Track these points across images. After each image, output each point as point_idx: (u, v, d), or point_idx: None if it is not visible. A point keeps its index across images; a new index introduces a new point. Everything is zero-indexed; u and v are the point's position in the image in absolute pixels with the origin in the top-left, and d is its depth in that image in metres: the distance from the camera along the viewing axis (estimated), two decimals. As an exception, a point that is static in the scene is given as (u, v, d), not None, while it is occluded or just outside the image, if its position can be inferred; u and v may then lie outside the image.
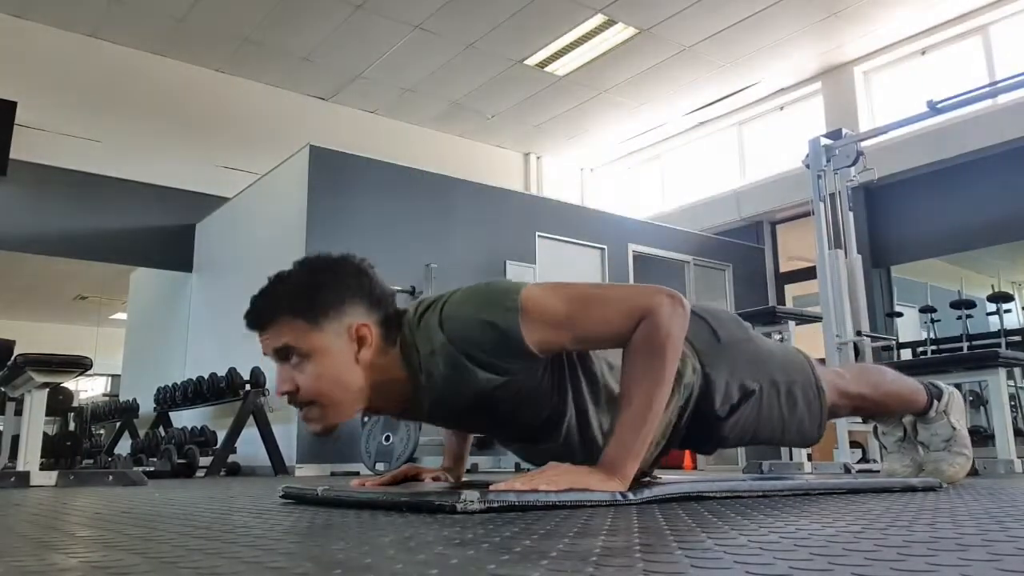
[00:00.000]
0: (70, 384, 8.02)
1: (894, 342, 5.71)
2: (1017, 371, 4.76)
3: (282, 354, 1.36)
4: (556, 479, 1.22)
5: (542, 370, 1.38)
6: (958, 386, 2.10)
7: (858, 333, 4.51)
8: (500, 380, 1.33)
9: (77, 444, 6.71)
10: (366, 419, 4.89)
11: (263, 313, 1.36)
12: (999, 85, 4.98)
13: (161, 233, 7.07)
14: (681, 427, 1.57)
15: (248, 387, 5.06)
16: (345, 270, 1.40)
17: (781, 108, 8.14)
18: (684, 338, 1.41)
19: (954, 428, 1.95)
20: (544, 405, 1.42)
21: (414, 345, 1.37)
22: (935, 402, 1.96)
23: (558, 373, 1.42)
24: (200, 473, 4.68)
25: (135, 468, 4.20)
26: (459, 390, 1.35)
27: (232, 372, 5.22)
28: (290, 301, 1.35)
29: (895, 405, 1.94)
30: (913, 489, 1.58)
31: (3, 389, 3.86)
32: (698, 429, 1.59)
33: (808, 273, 7.18)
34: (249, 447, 5.03)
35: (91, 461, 6.53)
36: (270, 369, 5.33)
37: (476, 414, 1.43)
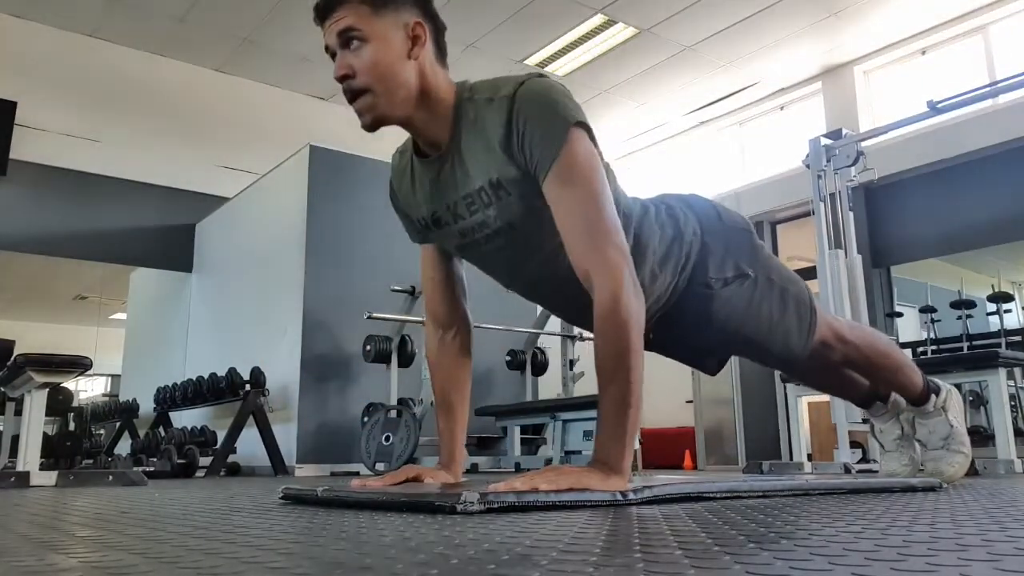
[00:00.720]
0: (70, 384, 8.02)
1: (894, 342, 5.70)
2: (1017, 371, 4.76)
3: (344, 38, 1.40)
4: (556, 479, 1.22)
5: (542, 203, 1.38)
6: (958, 386, 2.09)
7: (858, 333, 4.51)
8: (510, 173, 1.37)
9: (77, 444, 6.72)
10: (365, 419, 4.90)
11: None
12: (999, 85, 4.98)
13: (161, 233, 7.07)
14: (679, 288, 1.58)
15: (248, 387, 5.06)
16: None
17: (781, 108, 8.14)
18: (685, 204, 1.58)
19: (952, 426, 1.94)
20: (539, 235, 1.43)
21: (471, 87, 1.46)
22: (933, 396, 1.95)
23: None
24: (200, 473, 4.68)
25: (135, 468, 4.20)
26: (477, 158, 1.40)
27: (232, 372, 5.22)
28: None
29: (887, 370, 1.89)
30: (913, 489, 1.58)
31: (3, 389, 3.86)
32: (690, 300, 1.59)
33: (808, 273, 7.17)
34: (249, 447, 5.03)
35: (91, 461, 6.54)
36: (270, 369, 5.33)
37: (484, 206, 1.44)
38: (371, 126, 1.46)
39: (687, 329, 1.66)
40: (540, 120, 1.35)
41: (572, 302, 1.47)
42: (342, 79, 1.42)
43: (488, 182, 1.41)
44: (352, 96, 1.43)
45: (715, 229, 1.63)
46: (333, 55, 1.43)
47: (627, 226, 1.46)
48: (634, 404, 1.28)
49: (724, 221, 1.66)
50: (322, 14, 1.43)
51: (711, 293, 1.59)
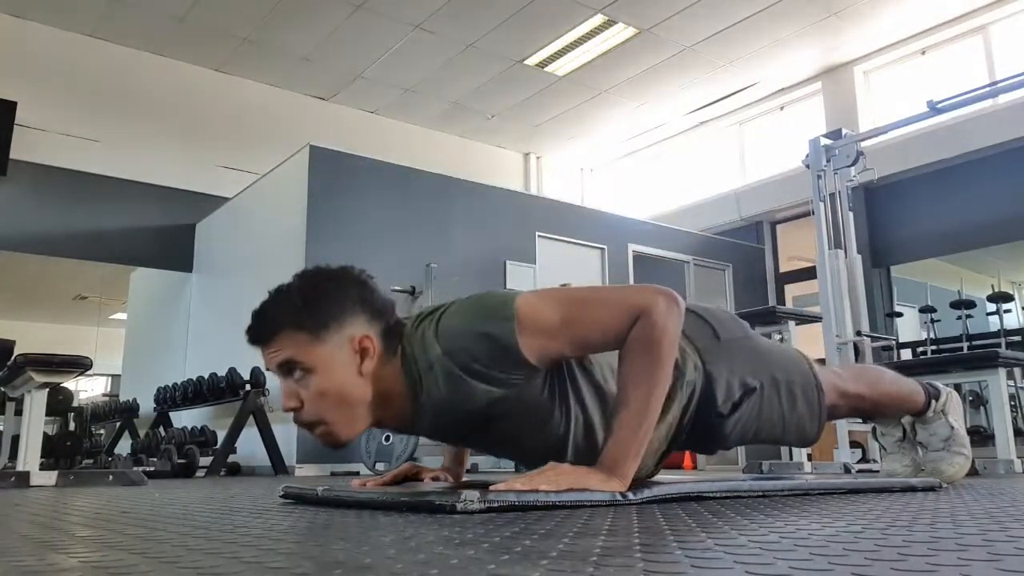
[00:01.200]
0: (70, 384, 8.02)
1: (894, 342, 5.70)
2: (1017, 371, 4.76)
3: (285, 369, 1.32)
4: (556, 479, 1.21)
5: (542, 382, 1.36)
6: (958, 386, 2.10)
7: (858, 333, 4.51)
8: (499, 393, 1.31)
9: (77, 444, 6.72)
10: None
11: (265, 327, 1.33)
12: (999, 85, 4.98)
13: (161, 233, 7.07)
14: (685, 426, 1.57)
15: (248, 387, 5.06)
16: (345, 281, 1.41)
17: (781, 108, 8.14)
18: (682, 335, 1.42)
19: (952, 427, 1.95)
20: (547, 420, 1.40)
21: (413, 357, 1.36)
22: (933, 402, 1.96)
23: (559, 385, 1.40)
24: (200, 473, 4.68)
25: (135, 468, 4.20)
26: (458, 406, 1.34)
27: (232, 372, 5.22)
28: (291, 314, 1.32)
29: (893, 405, 1.94)
30: (913, 489, 1.58)
31: (3, 389, 3.86)
32: (701, 429, 1.59)
33: (808, 273, 7.18)
34: (249, 447, 5.03)
35: (91, 461, 6.53)
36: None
37: (478, 431, 1.42)
38: (337, 447, 1.37)
39: (698, 444, 1.68)
40: (486, 346, 1.28)
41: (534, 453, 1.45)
42: (291, 411, 1.33)
43: (480, 420, 1.38)
44: (307, 427, 1.34)
45: (716, 352, 1.60)
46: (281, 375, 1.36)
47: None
48: (650, 418, 1.28)
49: (722, 338, 1.63)
50: (255, 341, 1.35)
51: (723, 420, 1.58)
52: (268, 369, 1.35)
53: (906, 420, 2.04)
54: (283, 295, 1.36)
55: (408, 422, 1.42)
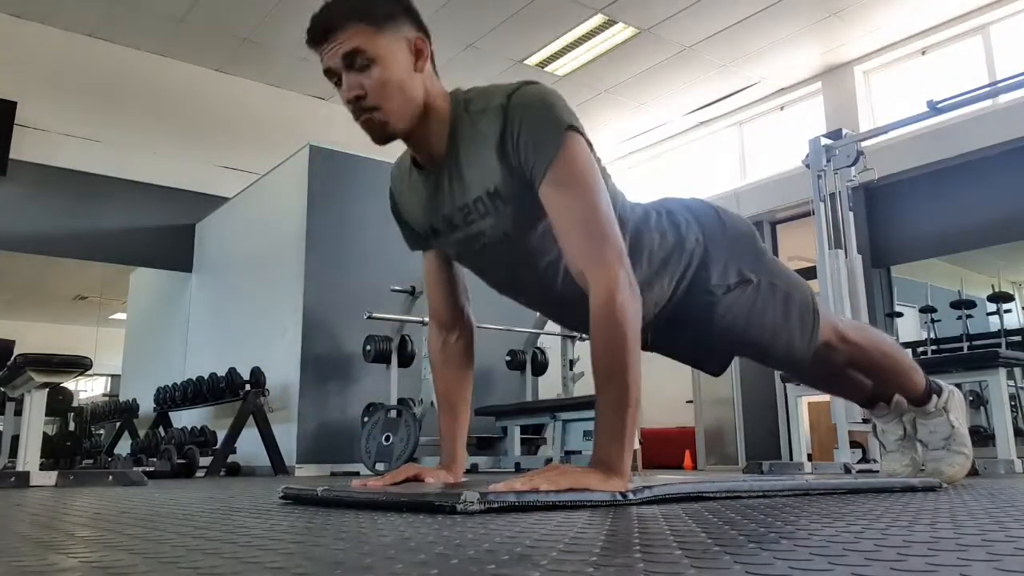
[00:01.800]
0: (70, 384, 8.02)
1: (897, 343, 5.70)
2: (1017, 371, 4.76)
3: (350, 59, 1.39)
4: (556, 479, 1.22)
5: (541, 220, 1.40)
6: (958, 386, 2.10)
7: (858, 333, 4.51)
8: (504, 178, 1.38)
9: (77, 444, 6.73)
10: (365, 419, 4.90)
11: (331, 19, 1.39)
12: (999, 85, 4.98)
13: (161, 233, 7.07)
14: (676, 296, 1.58)
15: (248, 387, 5.06)
16: None
17: (781, 108, 8.14)
18: (687, 209, 1.61)
19: (953, 426, 1.93)
20: (539, 258, 1.46)
21: (465, 98, 1.44)
22: (935, 396, 1.94)
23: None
24: (200, 473, 4.68)
25: (135, 468, 4.20)
26: (474, 168, 1.41)
27: (232, 372, 5.22)
28: (357, 5, 1.39)
29: (891, 371, 1.88)
30: (913, 489, 1.58)
31: (3, 389, 3.86)
32: (692, 306, 1.59)
33: (808, 273, 7.16)
34: (249, 447, 5.03)
35: (91, 461, 6.54)
36: (270, 369, 5.32)
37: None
38: (383, 141, 1.45)
39: (689, 333, 1.66)
40: (534, 126, 1.36)
41: (571, 310, 1.47)
42: (354, 100, 1.40)
43: (485, 192, 1.41)
44: (362, 114, 1.41)
45: (718, 236, 1.63)
46: (334, 76, 1.42)
47: (623, 228, 1.45)
48: (632, 403, 1.28)
49: (727, 227, 1.66)
50: (320, 37, 1.41)
51: (713, 300, 1.59)
52: (328, 66, 1.41)
53: (907, 418, 2.03)
54: None
55: (434, 161, 1.47)
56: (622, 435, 1.27)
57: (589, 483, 1.21)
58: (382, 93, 1.39)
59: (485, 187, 1.41)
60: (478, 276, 1.61)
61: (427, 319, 5.51)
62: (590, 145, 1.42)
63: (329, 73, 1.43)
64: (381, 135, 1.43)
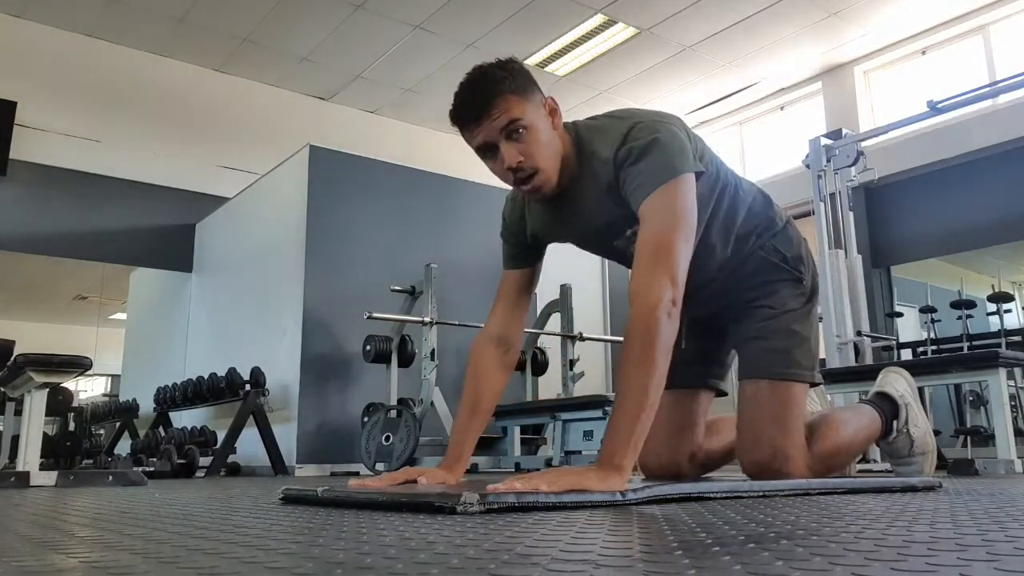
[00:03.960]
0: (70, 384, 8.02)
1: (894, 342, 5.71)
2: (1017, 371, 4.76)
3: (507, 131, 1.49)
4: (555, 480, 1.23)
5: None
6: (958, 386, 2.13)
7: (858, 333, 4.52)
8: (619, 214, 1.57)
9: (77, 444, 6.72)
10: (365, 419, 4.90)
11: (488, 95, 1.50)
12: (999, 85, 4.98)
13: (161, 233, 7.07)
14: (733, 289, 1.81)
15: (248, 387, 5.05)
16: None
17: (781, 108, 8.14)
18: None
19: (913, 439, 1.99)
20: None
21: (580, 136, 1.59)
22: (894, 422, 1.99)
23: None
24: (200, 473, 4.68)
25: (135, 468, 4.20)
26: (595, 205, 1.60)
27: (232, 372, 5.22)
28: (507, 81, 1.50)
29: (847, 456, 1.92)
30: (913, 489, 1.58)
31: (3, 389, 3.86)
32: (744, 314, 1.82)
33: (808, 273, 7.16)
34: (249, 447, 5.03)
35: (91, 461, 6.53)
36: (270, 369, 5.31)
37: (600, 237, 1.70)
38: (545, 200, 1.62)
39: (721, 332, 1.88)
40: (636, 176, 1.49)
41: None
42: (516, 167, 1.52)
43: (604, 223, 1.62)
44: (524, 179, 1.54)
45: (813, 275, 1.88)
46: (490, 150, 1.52)
47: (714, 188, 1.67)
48: (647, 408, 1.34)
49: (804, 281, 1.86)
50: (474, 115, 1.51)
51: (774, 314, 1.79)
52: (484, 143, 1.52)
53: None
54: (488, 73, 1.54)
55: (560, 200, 1.63)
56: (630, 437, 1.32)
57: (588, 483, 1.23)
58: (539, 155, 1.52)
59: (601, 220, 1.62)
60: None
61: (427, 319, 5.48)
62: (700, 173, 1.56)
63: (484, 148, 1.53)
64: (543, 194, 1.58)
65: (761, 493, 1.44)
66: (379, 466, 4.48)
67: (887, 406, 2.00)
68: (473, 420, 1.71)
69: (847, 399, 3.69)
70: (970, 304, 5.99)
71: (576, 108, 8.28)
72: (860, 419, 1.93)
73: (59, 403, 6.37)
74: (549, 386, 5.76)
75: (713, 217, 1.70)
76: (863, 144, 4.86)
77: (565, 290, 5.66)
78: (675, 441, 1.89)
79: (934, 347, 6.08)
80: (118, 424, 7.37)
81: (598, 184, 1.56)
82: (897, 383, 2.07)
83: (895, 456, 2.02)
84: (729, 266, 1.79)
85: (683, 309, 1.46)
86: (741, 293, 1.82)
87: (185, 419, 5.95)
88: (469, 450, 1.70)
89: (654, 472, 1.90)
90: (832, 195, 4.76)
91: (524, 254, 1.78)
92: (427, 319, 4.86)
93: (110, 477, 3.04)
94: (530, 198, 1.62)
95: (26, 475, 2.90)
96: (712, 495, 1.36)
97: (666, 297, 1.39)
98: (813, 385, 1.83)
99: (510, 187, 1.63)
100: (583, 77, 7.60)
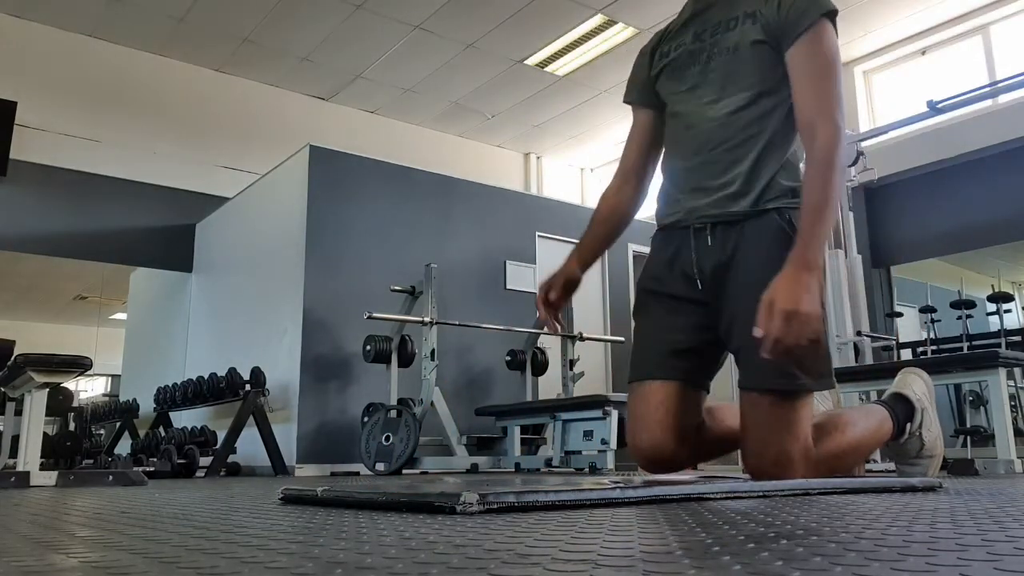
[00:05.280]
0: (70, 384, 8.01)
1: (894, 342, 5.71)
2: (1017, 371, 4.76)
3: None
4: (782, 323, 1.49)
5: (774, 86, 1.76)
6: (958, 386, 2.12)
7: (858, 333, 4.52)
8: (755, 34, 1.74)
9: (77, 444, 6.72)
10: (365, 419, 4.90)
11: None
12: (999, 85, 4.99)
13: (161, 233, 7.07)
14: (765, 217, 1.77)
15: (248, 387, 5.06)
16: None
17: (781, 108, 8.13)
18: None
19: (924, 442, 1.96)
20: (744, 83, 1.77)
21: None
22: (908, 425, 1.95)
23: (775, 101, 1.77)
24: (200, 473, 4.68)
25: (135, 468, 4.20)
26: (742, 5, 1.79)
27: (232, 372, 5.22)
28: None
29: (858, 455, 1.88)
30: (913, 489, 1.58)
31: (3, 389, 3.86)
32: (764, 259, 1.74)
33: (808, 273, 7.16)
34: (249, 447, 5.03)
35: (91, 461, 6.53)
36: (270, 369, 5.33)
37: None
38: None
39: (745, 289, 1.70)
40: (800, 3, 1.70)
41: (703, 163, 1.79)
42: None
43: (744, 13, 1.77)
44: None
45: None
46: None
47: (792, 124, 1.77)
48: (831, 208, 1.61)
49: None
50: None
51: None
52: None
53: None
54: None
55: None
56: (820, 230, 1.58)
57: (796, 288, 1.50)
58: None
59: (746, 10, 1.77)
60: (671, 107, 1.91)
61: (427, 319, 5.48)
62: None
63: None
64: None
65: (761, 493, 1.44)
66: (379, 466, 4.48)
67: (902, 408, 1.95)
68: (604, 227, 1.97)
69: (847, 400, 3.69)
70: (970, 304, 5.99)
71: (576, 108, 8.29)
72: (869, 421, 1.87)
73: (59, 403, 6.37)
74: (549, 386, 5.76)
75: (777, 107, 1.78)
76: (863, 144, 4.87)
77: (565, 290, 5.65)
78: (669, 426, 1.76)
79: (934, 347, 6.07)
80: (118, 424, 7.37)
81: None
82: (915, 384, 2.02)
83: (902, 456, 1.99)
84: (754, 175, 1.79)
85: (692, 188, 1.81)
86: (753, 250, 1.72)
87: (185, 419, 5.95)
88: (599, 252, 2.02)
89: (646, 454, 1.78)
90: (832, 195, 4.76)
91: (650, 89, 1.93)
92: (427, 319, 4.86)
93: (110, 477, 3.04)
94: None
95: (26, 475, 2.90)
96: (712, 495, 1.36)
97: (841, 129, 1.63)
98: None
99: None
100: (583, 77, 7.60)
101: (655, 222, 1.93)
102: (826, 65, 1.67)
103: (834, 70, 1.68)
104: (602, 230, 1.99)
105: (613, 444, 4.19)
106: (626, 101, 2.01)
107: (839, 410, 2.08)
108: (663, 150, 1.94)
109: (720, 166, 1.75)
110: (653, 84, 1.91)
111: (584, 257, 1.96)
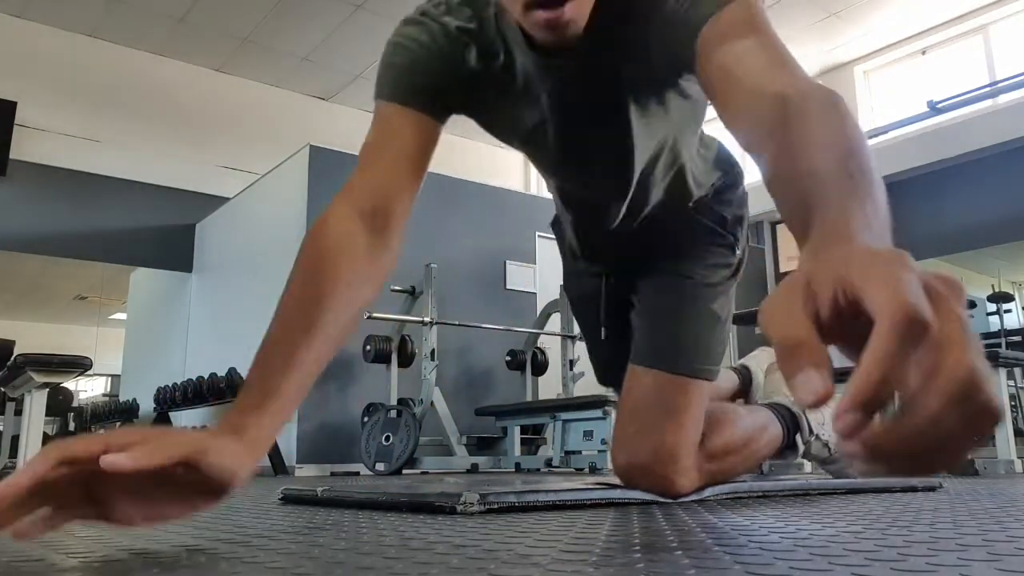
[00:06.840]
0: (70, 384, 8.02)
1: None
2: (1017, 371, 4.76)
3: None
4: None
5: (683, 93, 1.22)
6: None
7: (858, 333, 4.51)
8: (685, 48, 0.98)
9: (77, 444, 6.71)
10: (365, 419, 4.90)
11: None
12: (999, 85, 4.99)
13: (161, 233, 7.07)
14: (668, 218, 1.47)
15: (248, 387, 5.05)
16: None
17: (781, 108, 8.13)
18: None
19: (826, 440, 1.68)
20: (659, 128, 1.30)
21: None
22: (796, 437, 1.64)
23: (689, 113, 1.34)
24: (200, 473, 4.68)
25: (135, 468, 4.19)
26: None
27: (232, 372, 5.22)
28: None
29: (755, 453, 1.56)
30: (913, 489, 1.58)
31: (3, 389, 3.86)
32: (669, 282, 1.51)
33: (808, 273, 7.16)
34: (249, 447, 5.02)
35: (91, 461, 6.53)
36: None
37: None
38: (569, 32, 1.07)
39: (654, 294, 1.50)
40: None
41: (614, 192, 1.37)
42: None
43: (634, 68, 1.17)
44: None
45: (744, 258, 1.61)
46: None
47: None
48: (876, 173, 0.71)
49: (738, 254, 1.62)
50: None
51: (695, 281, 1.50)
52: None
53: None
54: None
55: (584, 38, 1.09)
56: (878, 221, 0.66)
57: (898, 274, 0.54)
58: None
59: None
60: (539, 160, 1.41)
61: (427, 319, 5.46)
62: None
63: None
64: (580, 24, 1.07)
65: (761, 493, 1.44)
66: (379, 466, 4.48)
67: (785, 411, 1.65)
68: (305, 339, 0.97)
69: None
70: (970, 304, 5.99)
71: (576, 108, 8.29)
72: (755, 418, 1.59)
73: (59, 403, 6.38)
74: (549, 386, 5.76)
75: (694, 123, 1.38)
76: (863, 144, 4.86)
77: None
78: (654, 437, 1.33)
79: (934, 347, 6.06)
80: (118, 424, 7.37)
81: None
82: (782, 385, 1.73)
83: (822, 463, 1.78)
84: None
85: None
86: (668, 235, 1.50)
87: (185, 419, 5.95)
88: (293, 393, 0.90)
89: (626, 474, 1.36)
90: (832, 195, 4.76)
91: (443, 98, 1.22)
92: (427, 319, 4.86)
93: (110, 477, 3.03)
94: (570, 30, 1.06)
95: (26, 475, 2.89)
96: (712, 495, 1.36)
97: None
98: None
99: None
100: (583, 77, 7.60)
101: None
102: (764, 30, 0.93)
103: (773, 34, 0.92)
104: None
105: (613, 444, 4.19)
106: None
107: (728, 403, 1.78)
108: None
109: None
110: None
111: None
